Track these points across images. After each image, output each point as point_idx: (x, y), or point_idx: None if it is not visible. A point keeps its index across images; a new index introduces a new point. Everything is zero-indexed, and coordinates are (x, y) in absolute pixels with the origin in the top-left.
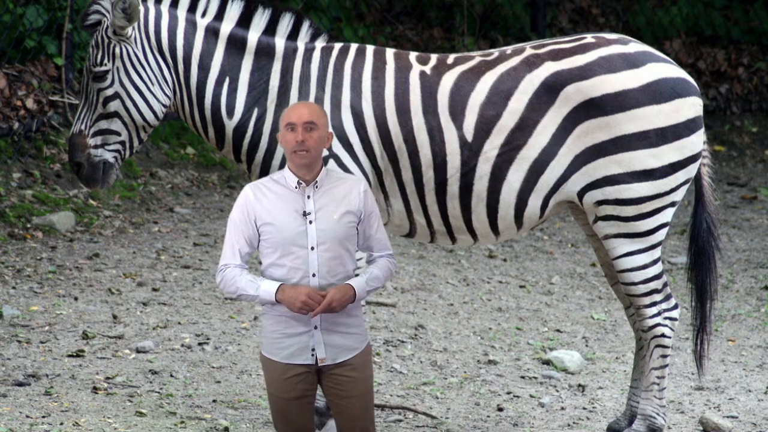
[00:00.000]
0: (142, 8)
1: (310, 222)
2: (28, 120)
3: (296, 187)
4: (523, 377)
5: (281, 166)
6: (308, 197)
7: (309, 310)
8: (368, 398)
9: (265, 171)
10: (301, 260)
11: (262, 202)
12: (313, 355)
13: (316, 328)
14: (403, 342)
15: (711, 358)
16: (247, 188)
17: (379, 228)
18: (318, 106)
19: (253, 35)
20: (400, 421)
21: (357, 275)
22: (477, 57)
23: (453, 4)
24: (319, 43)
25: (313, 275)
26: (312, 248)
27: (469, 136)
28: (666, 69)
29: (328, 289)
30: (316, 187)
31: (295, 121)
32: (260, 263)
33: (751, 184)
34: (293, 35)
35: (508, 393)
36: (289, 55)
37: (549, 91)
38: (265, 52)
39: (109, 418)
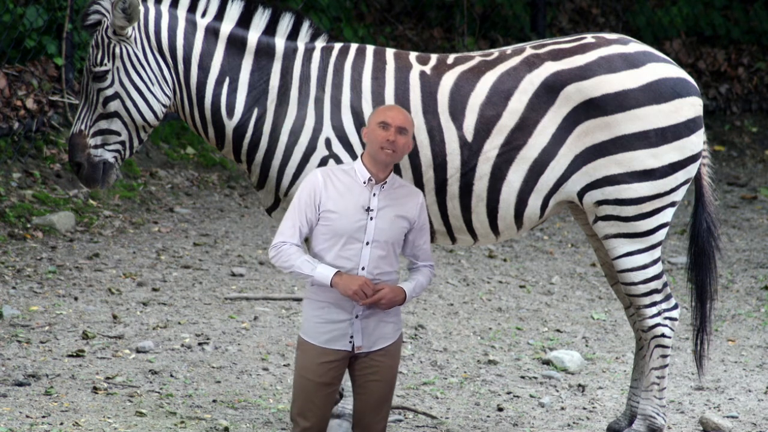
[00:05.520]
0: (142, 8)
1: (371, 218)
2: (28, 120)
3: (365, 183)
4: (523, 377)
5: (282, 167)
6: (374, 195)
7: (359, 298)
8: (392, 385)
9: (265, 171)
10: (353, 252)
11: (329, 190)
12: (350, 342)
13: (357, 317)
14: (403, 342)
15: (711, 358)
16: (317, 172)
17: (427, 239)
18: (409, 115)
19: (253, 35)
20: (400, 421)
21: (398, 276)
22: (477, 57)
23: (453, 4)
24: (319, 43)
25: (362, 269)
26: (367, 243)
27: (469, 136)
28: (666, 69)
29: (382, 285)
30: (383, 186)
31: (389, 121)
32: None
33: (751, 184)
34: (293, 35)
35: (508, 393)
36: (289, 55)
37: (549, 91)
38: (265, 52)
39: (109, 418)
